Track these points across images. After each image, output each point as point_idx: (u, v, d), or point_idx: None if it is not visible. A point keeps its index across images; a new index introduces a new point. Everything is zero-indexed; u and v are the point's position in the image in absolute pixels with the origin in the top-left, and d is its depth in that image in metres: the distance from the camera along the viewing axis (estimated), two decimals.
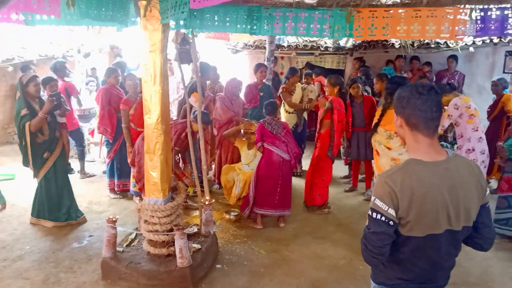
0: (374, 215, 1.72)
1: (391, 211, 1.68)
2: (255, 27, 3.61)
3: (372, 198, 1.75)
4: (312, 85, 7.12)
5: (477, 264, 4.03)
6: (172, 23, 3.53)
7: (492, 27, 3.54)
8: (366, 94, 6.20)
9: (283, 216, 5.03)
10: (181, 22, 3.48)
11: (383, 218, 1.69)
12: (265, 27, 3.62)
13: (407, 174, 1.70)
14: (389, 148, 4.72)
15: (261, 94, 6.34)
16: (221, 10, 3.54)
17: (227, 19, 3.58)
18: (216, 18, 3.56)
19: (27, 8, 2.12)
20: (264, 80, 6.56)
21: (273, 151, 4.92)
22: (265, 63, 7.12)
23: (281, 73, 8.94)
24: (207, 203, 4.09)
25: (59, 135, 4.80)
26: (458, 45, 7.51)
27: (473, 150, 5.06)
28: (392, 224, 1.70)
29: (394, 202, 1.68)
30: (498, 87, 6.18)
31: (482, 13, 3.52)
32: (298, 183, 6.55)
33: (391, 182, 1.69)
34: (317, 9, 3.60)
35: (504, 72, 6.49)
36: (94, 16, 2.80)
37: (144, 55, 3.35)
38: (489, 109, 6.27)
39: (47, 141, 4.64)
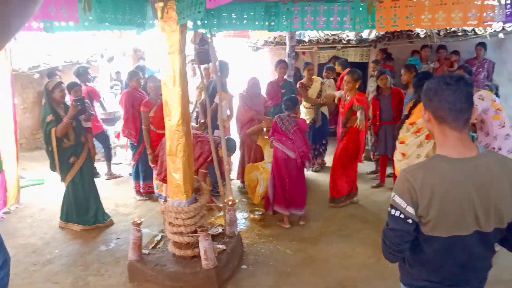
0: (393, 211, 1.68)
1: (410, 209, 1.62)
2: (273, 23, 3.54)
3: (392, 194, 1.70)
4: (332, 80, 6.99)
5: None
6: (190, 24, 3.51)
7: None
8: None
9: (299, 216, 4.98)
10: (199, 22, 3.45)
11: (401, 216, 1.64)
12: (283, 23, 3.55)
13: (430, 170, 1.62)
14: (401, 142, 4.36)
15: (283, 91, 6.25)
16: (238, 8, 3.49)
17: (245, 16, 3.52)
18: (233, 16, 3.51)
19: (45, 15, 2.13)
20: (285, 77, 6.48)
21: (278, 148, 4.90)
22: (286, 59, 7.03)
23: None
24: (230, 203, 4.06)
25: (85, 140, 4.87)
26: (486, 32, 7.19)
27: (500, 149, 4.44)
28: (410, 222, 1.64)
29: (413, 199, 1.62)
30: None
31: None
32: (320, 179, 6.47)
33: (412, 178, 1.62)
34: (336, 2, 3.50)
35: None
36: (111, 20, 2.80)
37: (163, 56, 3.34)
38: None
39: (72, 146, 4.71)
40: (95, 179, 5.23)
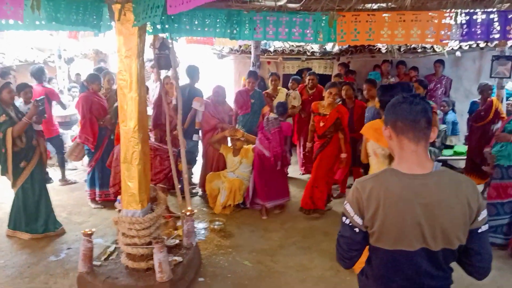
0: (344, 219, 1.75)
1: (357, 218, 1.68)
2: (235, 31, 3.49)
3: (345, 201, 1.76)
4: (297, 91, 7.05)
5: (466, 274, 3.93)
6: (149, 27, 3.40)
7: (478, 32, 3.48)
8: None
9: (277, 205, 5.56)
10: (158, 26, 3.35)
11: (350, 224, 1.71)
12: (245, 32, 3.51)
13: (379, 182, 1.65)
14: None
15: (252, 100, 6.22)
16: (200, 14, 3.42)
17: (207, 22, 3.45)
18: (195, 22, 3.44)
19: None
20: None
21: (256, 145, 5.51)
22: (251, 68, 7.02)
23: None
24: (188, 213, 3.95)
25: (36, 144, 4.64)
26: (444, 49, 7.47)
27: None
28: (357, 231, 1.69)
29: (360, 209, 1.67)
30: (486, 92, 6.09)
31: (467, 17, 3.46)
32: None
33: (361, 188, 1.67)
34: (299, 13, 3.49)
35: (491, 77, 6.41)
36: (63, 21, 2.65)
37: (120, 60, 3.22)
38: (482, 113, 6.07)
39: (23, 149, 4.48)
40: (47, 185, 4.98)
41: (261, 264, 4.17)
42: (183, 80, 6.17)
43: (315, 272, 4.04)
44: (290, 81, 7.41)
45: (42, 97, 4.95)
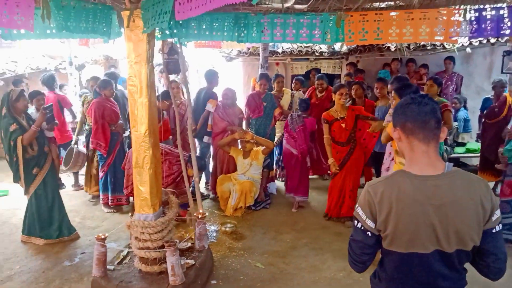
0: (355, 222, 1.74)
1: (369, 222, 1.67)
2: (242, 34, 3.50)
3: (356, 205, 1.75)
4: (301, 91, 7.04)
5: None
6: (158, 33, 3.43)
7: (488, 28, 3.43)
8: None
9: (297, 202, 5.75)
10: (167, 32, 3.38)
11: (362, 227, 1.70)
12: (253, 34, 3.51)
13: (390, 185, 1.63)
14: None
15: (264, 103, 6.23)
16: (207, 18, 3.44)
17: (214, 26, 3.47)
18: (203, 27, 3.45)
19: None
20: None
21: (284, 145, 5.85)
22: (259, 70, 7.03)
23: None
24: (200, 216, 3.96)
25: (48, 150, 4.70)
26: (454, 46, 7.39)
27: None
28: (370, 234, 1.68)
29: (372, 213, 1.66)
30: (499, 88, 5.98)
31: (477, 14, 3.42)
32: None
33: (373, 192, 1.66)
34: (306, 15, 3.49)
35: (502, 72, 6.34)
36: (73, 29, 2.69)
37: (130, 66, 3.25)
38: (496, 110, 5.90)
39: (35, 156, 4.54)
40: (60, 191, 5.04)
41: (273, 266, 4.17)
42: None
43: (328, 273, 4.03)
44: (294, 81, 7.41)
45: (50, 104, 5.02)
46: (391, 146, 4.24)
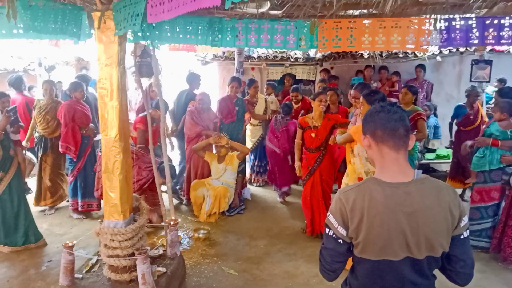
0: (327, 230, 1.72)
1: (341, 229, 1.65)
2: (216, 38, 3.48)
3: (328, 212, 1.73)
4: (273, 96, 7.07)
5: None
6: (130, 35, 3.36)
7: (457, 37, 3.53)
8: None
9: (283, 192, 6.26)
10: (139, 34, 3.31)
11: (334, 235, 1.68)
12: (227, 39, 3.49)
13: (362, 193, 1.63)
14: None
15: (237, 108, 6.19)
16: (181, 22, 3.39)
17: (188, 29, 3.43)
18: (176, 30, 3.41)
19: None
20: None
21: (267, 143, 6.26)
22: (235, 74, 7.01)
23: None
24: (172, 223, 3.89)
25: (14, 154, 4.53)
26: (425, 54, 7.60)
27: None
28: (341, 242, 1.67)
29: (344, 220, 1.65)
30: (473, 96, 5.99)
31: (446, 23, 3.51)
32: (267, 195, 6.46)
33: (344, 199, 1.65)
34: (280, 21, 3.49)
35: (471, 81, 6.55)
36: (41, 29, 2.59)
37: (100, 68, 3.16)
38: (471, 117, 5.99)
39: (0, 160, 4.36)
40: (26, 196, 4.86)
41: (246, 273, 4.13)
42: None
43: (301, 279, 4.02)
44: (265, 86, 7.45)
45: (13, 106, 4.86)
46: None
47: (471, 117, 6.01)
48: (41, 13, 2.61)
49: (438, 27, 3.54)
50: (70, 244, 3.43)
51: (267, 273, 4.13)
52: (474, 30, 3.43)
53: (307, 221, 5.00)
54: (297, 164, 5.09)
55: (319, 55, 8.30)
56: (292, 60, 8.41)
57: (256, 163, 6.98)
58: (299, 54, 8.39)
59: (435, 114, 7.38)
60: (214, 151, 5.92)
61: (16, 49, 8.00)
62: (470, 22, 3.45)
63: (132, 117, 5.68)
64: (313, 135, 4.86)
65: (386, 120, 1.63)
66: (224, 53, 8.37)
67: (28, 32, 2.57)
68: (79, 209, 5.56)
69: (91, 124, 5.63)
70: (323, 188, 4.92)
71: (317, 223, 4.92)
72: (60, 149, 5.49)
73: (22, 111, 6.08)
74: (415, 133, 4.61)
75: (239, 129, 6.27)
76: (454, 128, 6.38)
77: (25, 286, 3.87)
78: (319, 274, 4.02)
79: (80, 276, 3.58)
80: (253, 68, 8.92)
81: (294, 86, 7.11)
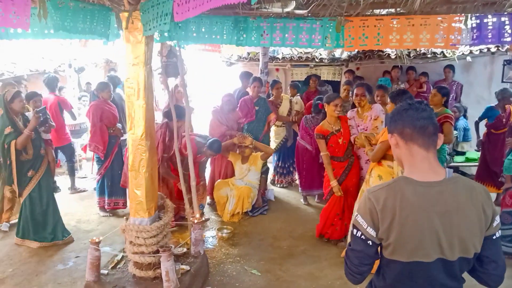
0: (355, 231, 1.66)
1: (370, 230, 1.59)
2: (241, 38, 3.48)
3: (355, 213, 1.67)
4: (298, 97, 7.01)
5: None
6: (156, 35, 3.41)
7: (489, 35, 3.40)
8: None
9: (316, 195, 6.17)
10: (166, 34, 3.35)
11: (362, 236, 1.62)
12: (252, 38, 3.49)
13: (393, 192, 1.58)
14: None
15: (257, 108, 6.18)
16: (207, 21, 3.41)
17: (214, 29, 3.44)
18: (202, 30, 3.43)
19: None
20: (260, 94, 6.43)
21: (299, 140, 6.07)
22: (259, 75, 7.00)
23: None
24: (196, 221, 3.92)
25: (44, 153, 4.65)
26: (455, 54, 7.39)
27: None
28: (371, 244, 1.61)
29: (374, 221, 1.59)
30: (507, 98, 5.73)
31: (478, 21, 3.39)
32: (290, 195, 6.42)
33: (374, 199, 1.59)
34: (306, 19, 3.47)
35: (502, 82, 6.35)
36: (70, 29, 2.66)
37: (127, 68, 3.22)
38: (504, 119, 5.73)
39: (31, 159, 4.49)
40: (55, 194, 4.99)
41: (269, 273, 4.12)
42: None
43: (325, 281, 3.97)
44: (289, 88, 7.39)
45: (43, 107, 4.98)
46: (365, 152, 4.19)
47: (504, 119, 5.80)
48: (71, 13, 2.68)
49: (469, 25, 3.43)
50: (97, 241, 3.49)
51: (290, 274, 4.10)
52: (507, 28, 3.31)
53: (320, 225, 4.85)
54: (334, 183, 4.53)
55: (344, 55, 8.19)
56: (317, 60, 8.33)
57: (279, 164, 6.95)
58: (324, 54, 8.31)
59: (465, 116, 7.18)
60: (238, 151, 5.93)
61: (47, 51, 8.28)
62: (503, 19, 3.33)
63: (159, 117, 5.74)
64: (340, 140, 4.58)
65: (415, 118, 1.60)
66: (248, 54, 8.37)
67: (58, 32, 2.64)
68: (106, 207, 5.68)
69: (118, 124, 5.73)
70: (347, 201, 4.62)
71: (326, 229, 4.77)
72: (89, 148, 5.63)
73: (54, 110, 6.25)
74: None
75: (260, 129, 6.22)
76: (481, 129, 6.13)
77: (52, 281, 3.97)
78: (343, 277, 3.96)
79: (106, 272, 3.65)
80: (277, 69, 8.90)
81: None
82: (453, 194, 1.54)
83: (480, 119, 6.26)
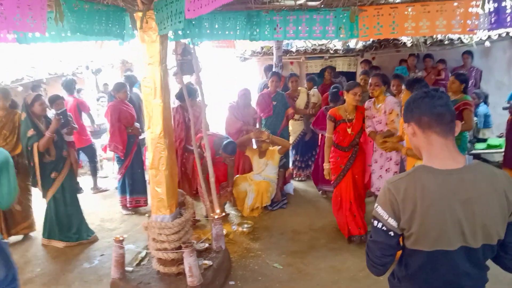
0: (375, 223, 1.65)
1: (392, 221, 1.58)
2: (255, 32, 3.47)
3: (375, 204, 1.66)
4: (316, 89, 6.97)
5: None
6: (170, 34, 3.44)
7: (508, 19, 3.30)
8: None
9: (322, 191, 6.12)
10: (180, 32, 3.37)
11: (383, 228, 1.61)
12: (265, 32, 3.48)
13: (413, 182, 1.56)
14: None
15: (274, 103, 6.17)
16: (220, 18, 3.42)
17: (227, 25, 3.45)
18: (215, 26, 3.44)
19: (11, 25, 2.03)
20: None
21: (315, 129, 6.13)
22: (274, 69, 6.99)
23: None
24: (217, 217, 3.95)
25: (67, 154, 4.75)
26: (472, 40, 7.23)
27: None
28: (392, 235, 1.60)
29: (395, 211, 1.57)
30: None
31: (495, 4, 3.29)
32: (308, 189, 6.41)
33: (394, 189, 1.57)
34: (319, 11, 3.44)
35: None
36: (86, 31, 2.71)
37: (143, 68, 3.26)
38: None
39: (54, 161, 4.59)
40: (78, 195, 5.09)
41: (291, 267, 4.13)
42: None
43: (347, 273, 3.96)
44: (306, 82, 7.34)
45: (63, 109, 5.07)
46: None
47: None
48: (86, 15, 2.73)
49: (486, 10, 3.35)
50: (121, 239, 3.56)
51: (312, 267, 4.10)
52: None
53: (340, 225, 4.74)
54: (326, 166, 4.69)
55: (359, 46, 8.10)
56: (331, 52, 8.27)
57: (297, 158, 6.94)
58: (338, 45, 8.23)
59: (485, 102, 7.03)
60: (255, 146, 5.94)
61: (64, 54, 8.42)
62: None
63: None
64: (349, 130, 4.55)
65: (431, 105, 1.58)
66: (262, 48, 8.36)
67: (75, 34, 2.69)
68: (128, 205, 5.77)
69: (136, 123, 5.81)
70: (356, 189, 4.63)
71: (353, 225, 4.60)
72: (109, 148, 5.72)
73: (73, 113, 6.37)
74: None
75: (278, 124, 6.21)
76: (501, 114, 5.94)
77: (79, 279, 4.06)
78: (366, 268, 3.95)
79: (131, 269, 3.72)
80: (292, 63, 8.87)
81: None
82: (474, 181, 1.53)
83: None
